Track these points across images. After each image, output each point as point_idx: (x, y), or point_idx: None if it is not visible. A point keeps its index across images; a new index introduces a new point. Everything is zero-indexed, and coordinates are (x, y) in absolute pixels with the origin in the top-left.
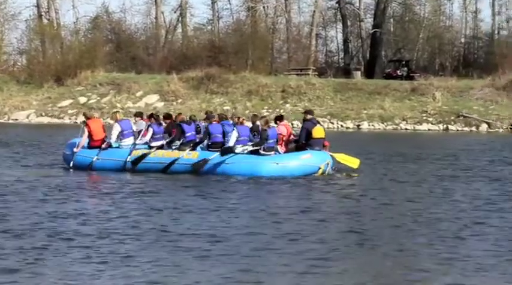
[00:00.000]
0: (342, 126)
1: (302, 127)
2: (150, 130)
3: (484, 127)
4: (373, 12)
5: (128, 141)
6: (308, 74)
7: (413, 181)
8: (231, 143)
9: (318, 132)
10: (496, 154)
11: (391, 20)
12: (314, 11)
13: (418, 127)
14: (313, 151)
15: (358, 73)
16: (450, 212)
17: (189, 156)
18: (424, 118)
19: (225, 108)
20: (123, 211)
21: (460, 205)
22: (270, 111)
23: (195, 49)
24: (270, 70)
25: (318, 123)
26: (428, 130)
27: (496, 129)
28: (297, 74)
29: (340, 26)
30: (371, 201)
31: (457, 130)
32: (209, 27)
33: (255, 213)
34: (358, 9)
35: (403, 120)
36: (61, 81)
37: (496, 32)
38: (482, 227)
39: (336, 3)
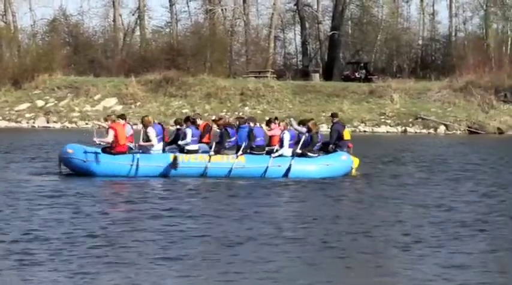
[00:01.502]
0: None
1: (332, 129)
2: (190, 132)
3: (442, 129)
4: (331, 14)
5: (159, 146)
6: (267, 76)
7: (411, 183)
8: (285, 147)
9: (347, 134)
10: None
11: (349, 22)
12: (272, 14)
13: (376, 129)
14: (344, 152)
15: (317, 75)
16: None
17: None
18: (383, 120)
19: (183, 110)
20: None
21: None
22: (229, 113)
23: (154, 52)
24: (228, 73)
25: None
26: (387, 132)
27: (454, 131)
28: (256, 77)
29: (298, 28)
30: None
31: (415, 132)
32: (167, 30)
33: (270, 218)
34: (316, 11)
35: (362, 122)
36: (18, 84)
37: (453, 33)
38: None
39: (294, 5)
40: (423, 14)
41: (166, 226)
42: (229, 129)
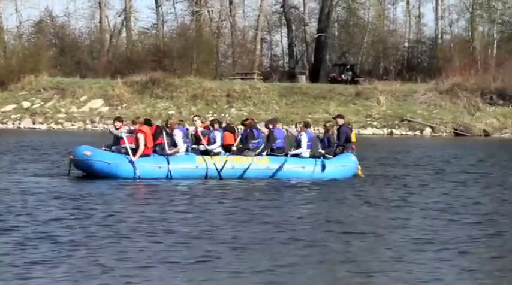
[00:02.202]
0: (287, 130)
1: (340, 131)
2: (219, 136)
3: (428, 131)
4: (317, 16)
5: (183, 148)
6: (253, 78)
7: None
8: (303, 148)
9: (354, 136)
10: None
11: (336, 24)
12: (259, 15)
13: (362, 131)
14: (350, 153)
15: (303, 77)
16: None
17: (260, 162)
18: (369, 122)
19: (170, 112)
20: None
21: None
22: (215, 115)
23: (140, 54)
24: (215, 75)
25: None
26: (373, 134)
27: (440, 133)
28: (242, 78)
29: (284, 30)
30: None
31: (401, 134)
32: (154, 31)
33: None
34: (302, 13)
35: (348, 124)
36: (4, 85)
37: (440, 36)
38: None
39: (281, 7)
40: (409, 16)
41: (175, 228)
42: (254, 130)
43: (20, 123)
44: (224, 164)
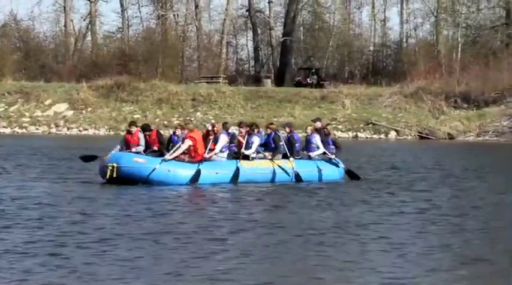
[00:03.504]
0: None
1: (320, 134)
2: (258, 141)
3: (392, 134)
4: (283, 20)
5: (225, 154)
6: (219, 82)
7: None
8: (321, 149)
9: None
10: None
11: (301, 28)
12: (224, 19)
13: None
14: None
15: (269, 81)
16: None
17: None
18: (334, 125)
19: (135, 116)
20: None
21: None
22: (181, 119)
23: (105, 58)
24: (180, 79)
25: None
26: (338, 137)
27: (405, 136)
28: (208, 82)
29: (250, 34)
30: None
31: (366, 137)
32: (119, 35)
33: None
34: (268, 17)
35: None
36: None
37: (404, 40)
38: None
39: (246, 11)
40: (374, 20)
41: (194, 235)
42: (279, 133)
43: None
44: (287, 169)
